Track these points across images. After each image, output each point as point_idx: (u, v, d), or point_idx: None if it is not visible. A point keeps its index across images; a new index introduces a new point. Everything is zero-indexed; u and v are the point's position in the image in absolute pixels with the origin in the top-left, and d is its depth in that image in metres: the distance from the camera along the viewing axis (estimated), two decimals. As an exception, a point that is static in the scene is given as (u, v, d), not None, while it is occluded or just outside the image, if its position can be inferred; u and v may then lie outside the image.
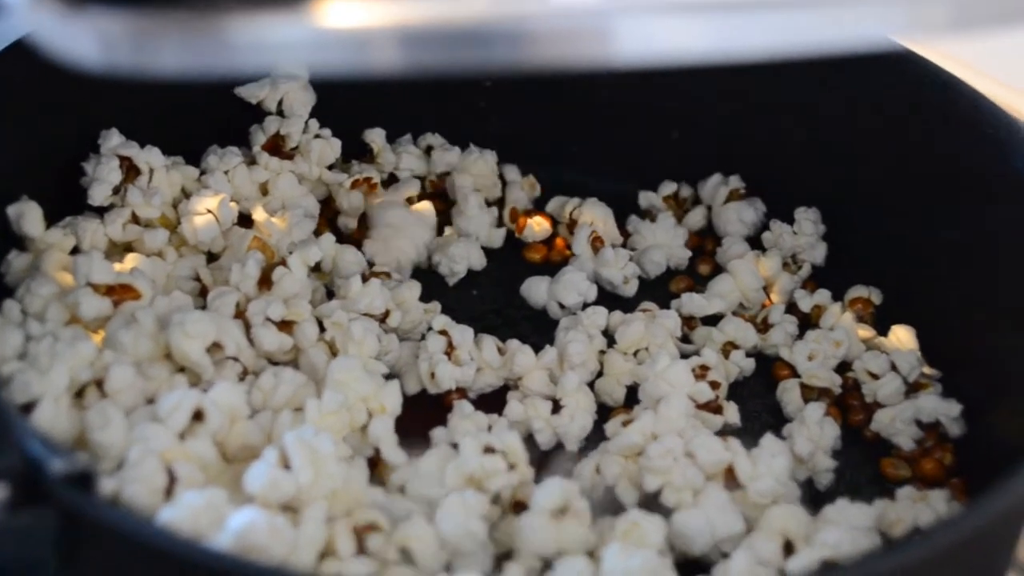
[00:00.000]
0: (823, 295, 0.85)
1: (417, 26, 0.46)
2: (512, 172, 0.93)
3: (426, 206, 0.88)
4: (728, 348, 0.82)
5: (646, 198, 0.92)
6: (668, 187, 0.92)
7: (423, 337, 0.80)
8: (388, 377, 0.75)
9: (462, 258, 0.87)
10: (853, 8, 0.48)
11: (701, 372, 0.78)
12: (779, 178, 0.90)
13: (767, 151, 0.89)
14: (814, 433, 0.76)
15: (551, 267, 0.87)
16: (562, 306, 0.84)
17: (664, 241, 0.89)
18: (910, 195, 0.83)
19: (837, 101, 0.85)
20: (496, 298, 0.86)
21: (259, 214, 0.84)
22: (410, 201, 0.89)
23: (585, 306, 0.84)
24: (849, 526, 0.67)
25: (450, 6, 0.47)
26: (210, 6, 0.47)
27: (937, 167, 0.81)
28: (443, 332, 0.78)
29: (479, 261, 0.88)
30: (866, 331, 0.83)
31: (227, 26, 0.46)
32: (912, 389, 0.79)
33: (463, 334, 0.78)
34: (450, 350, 0.78)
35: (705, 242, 0.91)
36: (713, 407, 0.77)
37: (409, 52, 0.47)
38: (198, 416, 0.67)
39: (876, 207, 0.85)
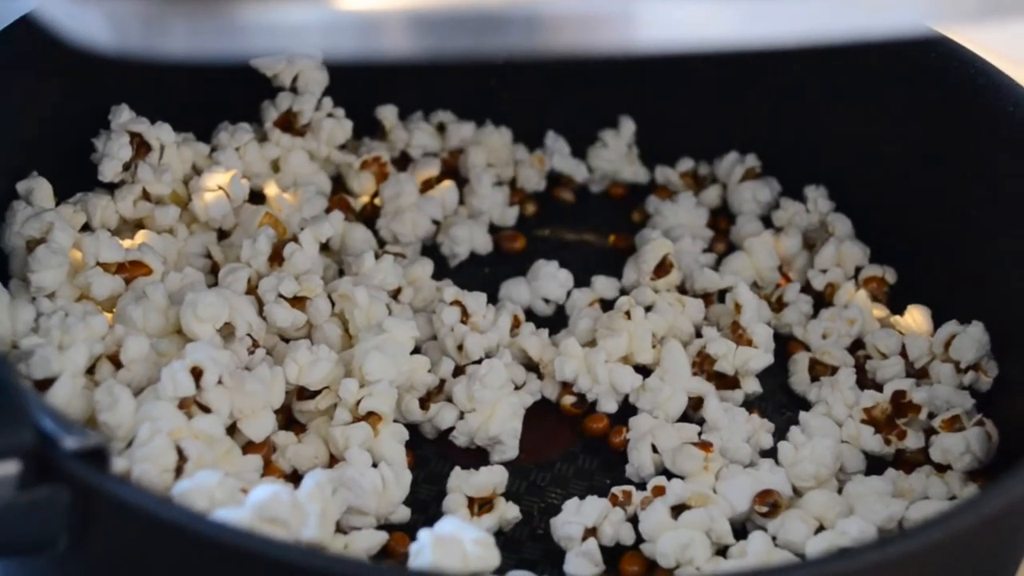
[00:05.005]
0: (836, 273, 0.84)
1: (431, 10, 0.46)
2: (520, 151, 0.92)
3: (446, 186, 0.88)
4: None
5: (663, 173, 0.91)
6: (686, 163, 0.91)
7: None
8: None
9: (464, 241, 0.86)
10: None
11: (700, 360, 0.78)
12: (794, 157, 0.89)
13: (784, 131, 0.88)
14: (848, 399, 0.77)
15: (564, 248, 0.87)
16: (547, 300, 0.83)
17: (686, 221, 0.88)
18: (930, 176, 0.82)
19: (859, 82, 0.84)
20: (507, 276, 0.85)
21: (271, 190, 0.83)
22: (428, 184, 0.88)
23: (589, 281, 0.84)
24: (873, 512, 0.68)
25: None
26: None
27: (958, 149, 0.80)
28: (456, 302, 0.78)
29: (484, 245, 0.87)
30: (880, 310, 0.83)
31: (238, 9, 0.46)
32: (920, 375, 0.79)
33: (477, 300, 0.78)
34: (466, 318, 0.77)
35: (719, 220, 0.90)
36: (730, 382, 0.78)
37: (423, 37, 0.46)
38: (197, 375, 0.67)
39: (894, 188, 0.85)
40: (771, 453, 0.75)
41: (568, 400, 0.77)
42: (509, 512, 0.71)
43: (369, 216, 0.87)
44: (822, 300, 0.84)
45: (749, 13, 0.47)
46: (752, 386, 0.78)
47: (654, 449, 0.74)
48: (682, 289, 0.84)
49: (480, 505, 0.71)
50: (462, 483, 0.71)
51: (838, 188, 0.88)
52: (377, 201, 0.87)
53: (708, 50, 0.47)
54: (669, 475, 0.73)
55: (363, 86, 0.88)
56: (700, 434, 0.75)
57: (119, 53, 0.47)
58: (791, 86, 0.87)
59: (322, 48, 0.47)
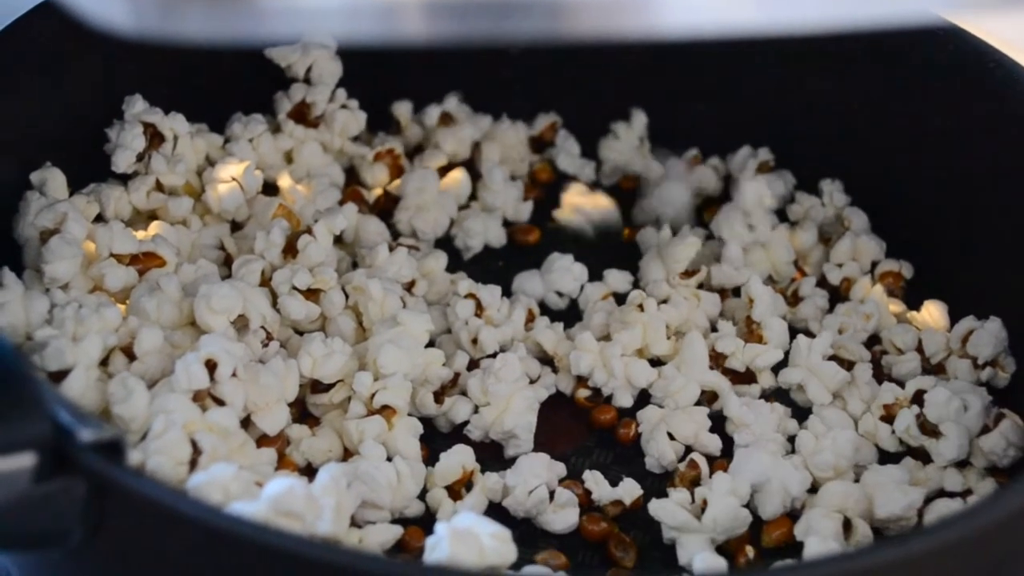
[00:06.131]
0: (852, 268, 0.84)
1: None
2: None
3: (458, 176, 0.87)
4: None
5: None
6: (690, 154, 0.91)
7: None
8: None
9: (477, 233, 0.86)
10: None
11: (715, 356, 0.78)
12: (809, 151, 0.88)
13: (797, 123, 0.88)
14: (865, 394, 0.77)
15: (577, 241, 0.87)
16: (560, 294, 0.83)
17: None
18: (946, 171, 0.82)
19: (874, 75, 0.84)
20: (521, 269, 0.85)
21: (284, 181, 0.83)
22: (442, 171, 0.88)
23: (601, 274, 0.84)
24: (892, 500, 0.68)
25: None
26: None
27: (975, 143, 0.80)
28: (470, 295, 0.77)
29: (498, 238, 0.87)
30: (896, 305, 0.82)
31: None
32: (936, 371, 0.78)
33: (491, 293, 0.78)
34: (480, 312, 0.77)
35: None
36: (745, 377, 0.77)
37: (441, 21, 0.46)
38: (211, 367, 0.67)
39: (910, 182, 0.84)
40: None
41: (583, 394, 0.77)
42: (490, 482, 0.71)
43: (383, 208, 0.86)
44: (838, 295, 0.84)
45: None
46: (768, 380, 0.78)
47: (671, 437, 0.74)
48: (699, 284, 0.83)
49: (462, 487, 0.70)
50: (433, 477, 0.71)
51: (854, 182, 0.87)
52: (392, 188, 0.87)
53: (727, 36, 0.46)
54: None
55: (376, 81, 0.87)
56: (725, 430, 0.75)
57: (137, 36, 0.47)
58: (805, 79, 0.87)
59: (340, 32, 0.46)
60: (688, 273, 0.81)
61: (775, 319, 0.79)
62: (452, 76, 0.90)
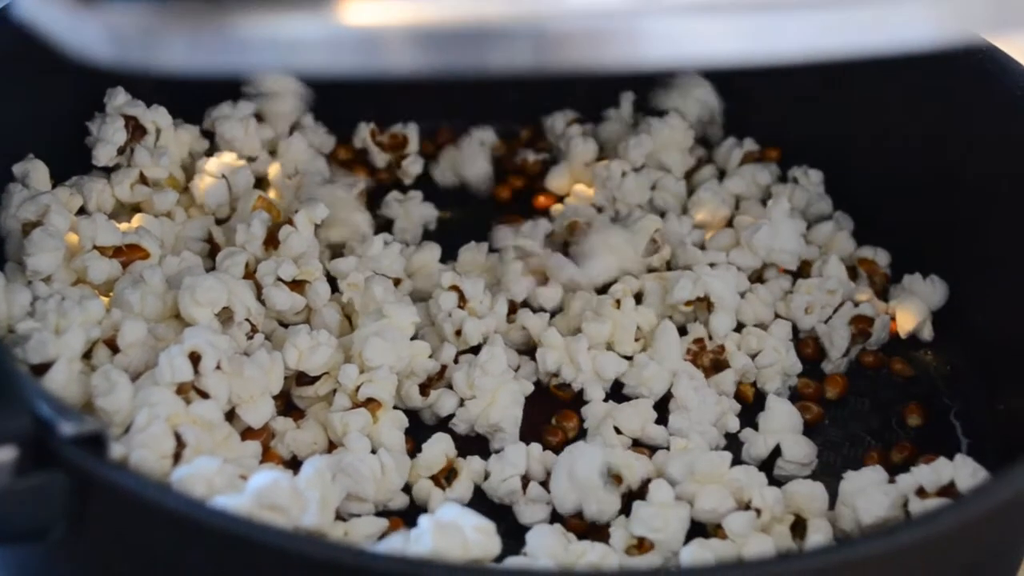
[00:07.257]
0: (812, 251, 0.84)
1: (434, 26, 0.45)
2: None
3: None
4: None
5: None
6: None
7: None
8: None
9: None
10: (886, 7, 0.47)
11: (697, 345, 0.77)
12: (792, 141, 0.88)
13: (787, 119, 0.88)
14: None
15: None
16: None
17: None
18: (937, 171, 0.82)
19: (864, 71, 0.83)
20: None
21: (270, 173, 0.83)
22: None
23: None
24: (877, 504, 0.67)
25: (469, 5, 0.45)
26: (221, 3, 0.46)
27: (964, 135, 0.80)
28: (453, 287, 0.77)
29: None
30: (865, 294, 0.82)
31: (238, 23, 0.45)
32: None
33: (474, 285, 0.77)
34: (463, 303, 0.76)
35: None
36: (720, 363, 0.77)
37: (426, 53, 0.45)
38: (195, 360, 0.66)
39: (900, 182, 0.84)
40: (735, 438, 0.74)
41: (555, 382, 0.77)
42: (474, 465, 0.70)
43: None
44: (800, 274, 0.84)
45: (758, 29, 0.46)
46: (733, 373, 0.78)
47: (618, 431, 0.73)
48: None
49: (445, 477, 0.70)
50: (417, 468, 0.70)
51: (843, 178, 0.87)
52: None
53: (716, 67, 0.46)
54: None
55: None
56: (668, 412, 0.74)
57: (117, 66, 0.46)
58: (793, 74, 0.86)
59: (323, 64, 0.46)
60: (649, 251, 0.81)
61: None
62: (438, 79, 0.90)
